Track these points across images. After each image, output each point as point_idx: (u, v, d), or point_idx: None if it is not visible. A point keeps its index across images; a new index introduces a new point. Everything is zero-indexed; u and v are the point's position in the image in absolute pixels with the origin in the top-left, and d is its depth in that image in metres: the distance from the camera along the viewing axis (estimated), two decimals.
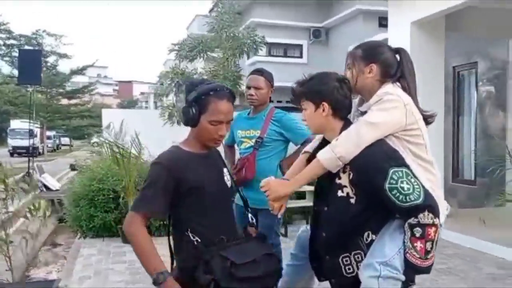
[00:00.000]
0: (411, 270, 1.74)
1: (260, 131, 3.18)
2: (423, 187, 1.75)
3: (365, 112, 1.98)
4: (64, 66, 30.46)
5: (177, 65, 9.38)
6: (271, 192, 1.98)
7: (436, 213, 1.72)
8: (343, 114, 1.96)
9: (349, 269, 1.86)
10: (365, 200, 1.81)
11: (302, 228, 2.29)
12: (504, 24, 6.63)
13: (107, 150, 5.89)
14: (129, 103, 58.74)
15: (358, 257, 1.84)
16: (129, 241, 1.90)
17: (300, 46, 17.37)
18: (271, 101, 3.40)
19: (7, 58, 30.51)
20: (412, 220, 1.72)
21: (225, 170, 2.13)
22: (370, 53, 2.03)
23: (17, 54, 18.95)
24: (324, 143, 2.09)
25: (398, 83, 1.99)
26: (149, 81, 59.79)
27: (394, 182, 1.73)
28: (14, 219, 4.43)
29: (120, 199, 6.04)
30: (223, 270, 1.81)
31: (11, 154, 26.84)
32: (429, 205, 1.71)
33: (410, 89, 1.98)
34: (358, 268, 1.83)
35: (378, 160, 1.79)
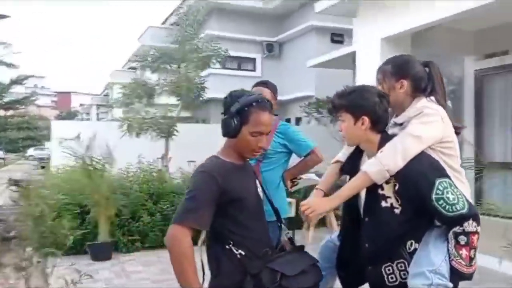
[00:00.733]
0: (456, 277, 1.79)
1: None
2: (465, 196, 1.82)
3: (400, 124, 2.03)
4: (2, 76, 28.76)
5: (138, 76, 9.22)
6: (318, 208, 1.96)
7: (478, 221, 1.79)
8: (381, 128, 2.00)
9: (391, 278, 1.89)
10: (410, 210, 1.85)
11: (327, 238, 2.30)
12: (461, 42, 7.08)
13: (78, 162, 5.63)
14: (68, 115, 56.51)
15: (401, 266, 1.87)
16: (171, 256, 1.82)
17: (253, 60, 17.56)
18: None
19: None
20: (457, 229, 1.78)
21: (257, 181, 2.12)
22: (400, 68, 2.10)
23: None
24: (356, 153, 2.13)
25: (432, 97, 2.06)
26: (89, 92, 58.06)
27: (440, 192, 1.78)
28: None
29: (87, 214, 5.80)
30: (273, 283, 1.79)
31: None
32: (474, 214, 1.79)
33: (441, 102, 2.06)
34: (401, 277, 1.86)
35: (424, 171, 1.84)
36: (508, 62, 6.72)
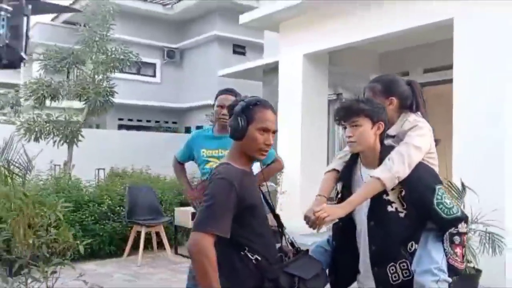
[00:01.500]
0: (452, 272, 2.01)
1: None
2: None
3: (392, 136, 2.23)
4: None
5: (42, 76, 8.52)
6: (332, 213, 2.04)
7: (467, 223, 2.04)
8: (383, 137, 2.17)
9: (395, 277, 2.05)
10: (413, 214, 2.04)
11: (317, 243, 2.40)
12: (369, 62, 7.76)
13: None
14: None
15: (403, 266, 2.04)
16: (194, 262, 1.78)
17: (153, 65, 17.17)
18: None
19: None
20: (452, 230, 2.00)
21: (260, 188, 2.16)
22: (389, 86, 2.30)
23: None
24: (351, 162, 2.27)
25: (419, 113, 2.29)
26: None
27: (439, 197, 2.00)
28: None
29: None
30: (292, 287, 1.84)
31: None
32: (466, 217, 2.03)
33: (425, 117, 2.30)
34: (403, 276, 2.04)
35: (426, 178, 2.04)
36: None
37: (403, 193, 2.05)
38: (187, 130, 17.58)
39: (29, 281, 3.88)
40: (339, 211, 2.06)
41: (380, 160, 2.10)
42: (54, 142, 8.52)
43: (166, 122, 17.43)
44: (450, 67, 6.58)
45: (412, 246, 2.05)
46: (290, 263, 1.95)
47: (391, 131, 2.26)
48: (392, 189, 2.06)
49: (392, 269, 2.05)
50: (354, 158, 2.27)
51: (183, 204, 6.45)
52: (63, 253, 5.40)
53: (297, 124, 6.18)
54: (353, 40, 5.95)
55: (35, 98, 8.48)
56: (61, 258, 5.34)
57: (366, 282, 2.21)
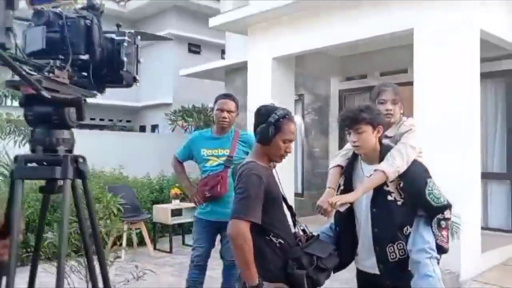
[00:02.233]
0: (440, 251, 2.42)
1: (229, 150, 3.48)
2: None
3: (390, 137, 2.61)
4: None
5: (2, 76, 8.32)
6: (345, 199, 2.39)
7: (451, 210, 2.46)
8: (382, 138, 2.55)
9: (393, 255, 2.43)
10: (408, 202, 2.43)
11: (321, 230, 2.74)
12: (330, 66, 8.24)
13: None
14: None
15: (399, 246, 2.42)
16: (234, 246, 2.07)
17: None
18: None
19: None
20: (440, 216, 2.41)
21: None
22: (399, 93, 2.70)
23: None
24: (352, 159, 2.64)
25: (410, 117, 2.70)
26: None
27: (430, 189, 2.40)
28: None
29: None
30: (312, 264, 2.18)
31: None
32: (450, 205, 2.44)
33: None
34: (399, 254, 2.42)
35: (420, 172, 2.44)
36: (366, 84, 8.08)
37: (401, 184, 2.43)
38: (142, 128, 17.51)
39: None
40: (350, 196, 2.42)
41: (381, 158, 2.48)
42: (15, 142, 8.36)
43: (120, 121, 17.27)
44: (405, 70, 7.19)
45: (407, 230, 2.44)
46: (307, 245, 2.28)
47: (389, 132, 2.64)
48: (392, 181, 2.44)
49: (391, 249, 2.43)
50: (355, 156, 2.64)
51: (158, 201, 6.63)
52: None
53: None
54: (319, 46, 6.35)
55: None
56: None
57: (364, 262, 2.58)
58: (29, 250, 5.37)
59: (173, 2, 15.23)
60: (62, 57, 1.17)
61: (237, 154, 3.51)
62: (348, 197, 2.42)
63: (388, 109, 2.64)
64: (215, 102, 3.59)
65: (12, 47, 0.99)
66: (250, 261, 2.05)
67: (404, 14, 5.36)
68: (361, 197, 2.50)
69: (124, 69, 1.30)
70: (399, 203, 2.43)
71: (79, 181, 1.25)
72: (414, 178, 2.43)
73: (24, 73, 1.00)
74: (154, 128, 16.65)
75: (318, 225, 2.78)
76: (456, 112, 4.96)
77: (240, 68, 9.34)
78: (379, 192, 2.45)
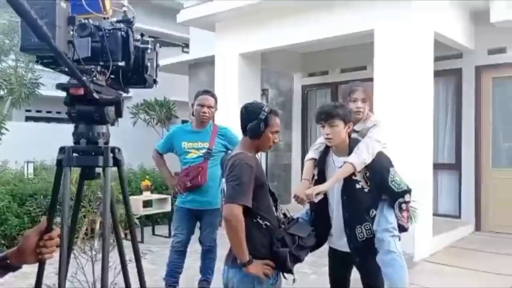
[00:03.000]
0: (401, 230, 2.77)
1: (208, 143, 3.72)
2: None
3: (357, 131, 2.92)
4: None
5: None
6: (319, 189, 2.70)
7: (410, 194, 2.81)
8: (351, 133, 2.86)
9: (361, 235, 2.76)
10: (374, 190, 2.76)
11: (298, 215, 3.02)
12: (293, 62, 8.57)
13: None
14: None
15: (366, 227, 2.75)
16: (229, 227, 2.32)
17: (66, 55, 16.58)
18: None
19: None
20: (401, 200, 2.76)
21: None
22: (371, 92, 3.02)
23: None
24: (324, 152, 2.94)
25: (374, 113, 3.03)
26: None
27: (392, 176, 2.74)
28: None
29: None
30: (294, 243, 2.47)
31: None
32: (410, 190, 2.79)
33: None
34: (367, 234, 2.75)
35: (383, 163, 2.77)
36: (327, 80, 8.46)
37: (367, 174, 2.76)
38: None
39: None
40: (323, 186, 2.74)
41: (350, 150, 2.79)
42: None
43: None
44: (364, 68, 7.62)
45: (372, 212, 2.77)
46: (290, 227, 2.56)
47: (357, 127, 2.96)
48: (359, 172, 2.76)
49: (359, 230, 2.76)
50: (326, 149, 2.94)
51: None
52: (6, 245, 5.50)
53: (234, 119, 6.73)
54: (284, 44, 6.66)
55: None
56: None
57: (337, 242, 2.91)
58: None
59: None
60: (102, 63, 1.38)
61: (216, 147, 3.75)
62: (322, 187, 2.73)
63: (358, 107, 2.95)
64: (195, 97, 3.81)
65: (70, 56, 1.20)
66: (242, 240, 2.31)
67: (365, 16, 5.73)
68: (333, 187, 2.82)
69: (148, 73, 1.51)
70: (365, 190, 2.76)
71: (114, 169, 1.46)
72: (379, 168, 2.77)
73: (83, 78, 1.21)
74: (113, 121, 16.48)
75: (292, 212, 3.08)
76: (411, 107, 5.39)
77: (204, 63, 9.52)
78: (349, 182, 2.77)
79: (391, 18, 5.52)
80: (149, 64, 1.52)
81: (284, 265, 2.39)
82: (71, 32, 1.21)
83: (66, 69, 1.24)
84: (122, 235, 1.73)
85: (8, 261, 1.25)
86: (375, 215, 2.78)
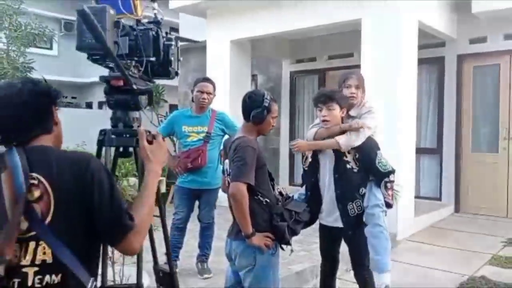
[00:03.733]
0: (387, 206, 3.06)
1: (207, 127, 3.96)
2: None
3: (352, 116, 3.18)
4: None
5: None
6: (310, 145, 3.10)
7: (394, 174, 3.10)
8: (344, 118, 3.13)
9: (352, 211, 3.04)
10: (362, 170, 3.04)
11: (296, 195, 3.29)
12: (281, 49, 8.77)
13: None
14: None
15: (357, 203, 3.03)
16: (235, 203, 2.57)
17: (50, 38, 16.48)
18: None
19: None
20: (386, 179, 3.05)
21: None
22: (363, 79, 3.27)
23: None
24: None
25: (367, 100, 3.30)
26: None
27: (379, 158, 3.03)
28: None
29: None
30: (291, 218, 2.73)
31: None
32: (394, 170, 3.08)
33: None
34: (357, 210, 3.03)
35: (372, 146, 3.06)
36: (315, 67, 8.70)
37: (357, 156, 3.04)
38: (89, 105, 17.33)
39: None
40: (312, 144, 3.13)
41: (342, 133, 3.07)
42: None
43: (65, 97, 16.95)
44: (351, 55, 7.87)
45: (362, 191, 3.05)
46: (287, 203, 2.82)
47: (352, 112, 3.22)
48: (349, 153, 3.04)
49: (350, 206, 3.04)
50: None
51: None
52: None
53: (226, 104, 6.94)
54: (274, 31, 6.87)
55: None
56: None
57: (327, 218, 3.19)
58: None
59: None
60: (136, 59, 1.60)
61: (214, 130, 4.00)
62: (310, 144, 3.12)
63: (352, 93, 3.21)
64: (195, 84, 4.04)
65: (115, 53, 1.42)
66: (246, 214, 2.57)
67: (352, 5, 5.96)
68: (325, 166, 3.10)
69: (172, 66, 1.74)
70: (355, 170, 3.05)
71: None
72: (368, 151, 3.05)
73: (126, 72, 1.44)
74: (101, 104, 16.54)
75: None
76: (395, 93, 5.67)
77: (194, 48, 9.66)
78: (340, 162, 3.05)
79: (378, 7, 5.77)
80: (172, 58, 1.74)
81: (282, 237, 2.66)
82: (117, 34, 1.43)
83: (112, 65, 1.46)
84: None
85: None
86: (364, 193, 3.06)
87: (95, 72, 11.76)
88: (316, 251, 3.45)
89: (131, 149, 1.68)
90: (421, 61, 6.38)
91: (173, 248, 3.99)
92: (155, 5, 1.70)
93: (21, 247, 1.33)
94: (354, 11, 5.97)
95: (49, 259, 1.35)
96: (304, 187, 3.33)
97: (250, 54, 7.68)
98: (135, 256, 1.80)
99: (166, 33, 1.75)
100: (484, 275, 4.40)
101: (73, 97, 17.28)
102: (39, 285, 1.35)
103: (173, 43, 1.73)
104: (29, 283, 1.35)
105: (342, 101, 3.04)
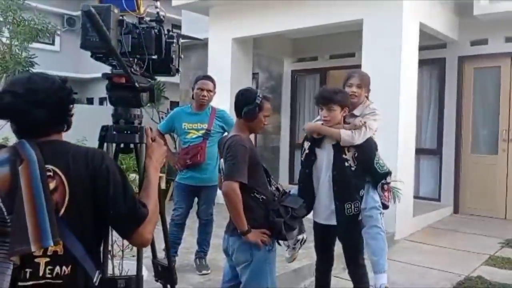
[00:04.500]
0: (383, 207, 3.10)
1: (207, 124, 3.99)
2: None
3: (356, 116, 3.20)
4: None
5: None
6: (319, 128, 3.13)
7: (391, 176, 3.13)
8: (346, 117, 3.16)
9: (349, 211, 3.07)
10: (360, 169, 3.07)
11: (292, 191, 3.31)
12: (283, 47, 8.80)
13: None
14: None
15: (356, 204, 3.06)
16: (228, 202, 2.61)
17: (52, 33, 16.49)
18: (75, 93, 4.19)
19: None
20: (383, 181, 3.08)
21: None
22: (367, 78, 3.30)
23: None
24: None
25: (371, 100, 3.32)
26: None
27: (377, 159, 3.07)
28: None
29: None
30: (287, 213, 2.75)
31: None
32: (390, 172, 3.12)
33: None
34: (354, 211, 3.05)
35: (372, 146, 3.09)
36: (316, 66, 8.73)
37: (356, 154, 3.07)
38: (90, 101, 17.36)
39: None
40: (314, 125, 3.19)
41: None
42: None
43: None
44: (352, 55, 7.89)
45: (361, 192, 3.09)
46: (283, 200, 2.84)
47: (356, 111, 3.25)
48: (349, 152, 3.06)
49: (348, 205, 3.07)
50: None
51: None
52: None
53: (226, 101, 6.96)
54: (276, 30, 6.90)
55: None
56: None
57: (321, 215, 3.20)
58: None
59: None
60: (139, 56, 1.63)
61: (214, 128, 4.03)
62: (317, 125, 3.18)
63: (353, 91, 3.24)
64: (195, 82, 4.06)
65: (118, 51, 1.45)
66: (241, 212, 2.60)
67: (354, 6, 5.99)
68: (322, 161, 3.14)
69: (173, 63, 1.77)
70: (352, 168, 3.08)
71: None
72: (367, 151, 3.09)
73: (128, 70, 1.47)
74: (102, 101, 16.57)
75: None
76: (396, 94, 5.69)
77: (196, 45, 9.68)
78: (339, 159, 3.08)
79: (379, 8, 5.79)
80: (173, 56, 1.77)
81: (279, 233, 2.68)
82: (120, 32, 1.46)
83: (114, 62, 1.49)
84: None
85: None
86: (363, 195, 3.09)
87: (96, 68, 11.82)
88: (313, 249, 3.48)
89: (131, 145, 1.71)
90: (422, 62, 6.41)
91: (172, 244, 4.02)
92: (158, 3, 1.73)
93: None
94: (356, 11, 5.99)
95: (60, 250, 1.38)
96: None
97: (251, 52, 7.70)
98: (135, 250, 1.83)
99: (168, 30, 1.78)
100: (481, 275, 4.43)
101: (74, 93, 17.23)
102: (49, 276, 1.38)
103: (174, 40, 1.76)
104: (40, 273, 1.38)
105: (343, 101, 3.07)
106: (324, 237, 3.29)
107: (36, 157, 1.37)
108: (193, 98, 4.11)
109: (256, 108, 2.72)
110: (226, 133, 4.01)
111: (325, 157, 3.15)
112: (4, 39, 8.93)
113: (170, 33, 1.77)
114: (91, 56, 1.56)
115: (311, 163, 3.20)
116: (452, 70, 7.20)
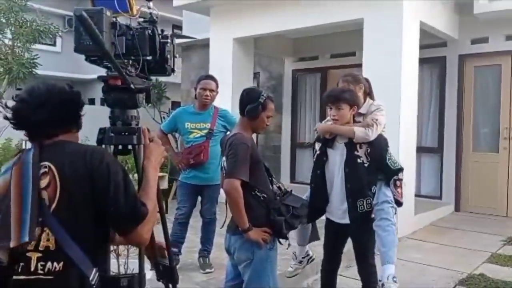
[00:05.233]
0: (397, 204, 3.11)
1: (210, 124, 4.02)
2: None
3: (362, 114, 3.22)
4: None
5: None
6: (329, 127, 3.15)
7: (403, 172, 3.14)
8: (355, 115, 3.17)
9: (361, 208, 3.06)
10: (373, 165, 3.07)
11: (306, 195, 3.31)
12: (284, 47, 8.80)
13: None
14: None
15: (368, 201, 3.06)
16: (230, 199, 2.62)
17: (54, 34, 16.54)
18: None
19: None
20: (395, 177, 3.09)
21: None
22: (358, 78, 3.37)
23: None
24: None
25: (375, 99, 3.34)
26: None
27: (389, 155, 3.09)
28: None
29: None
30: (288, 212, 2.75)
31: None
32: (403, 168, 3.12)
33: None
34: (366, 207, 3.05)
35: (383, 143, 3.11)
36: (316, 65, 8.73)
37: (368, 151, 3.07)
38: (91, 101, 17.39)
39: None
40: (326, 126, 3.21)
41: None
42: None
43: None
44: (353, 54, 7.89)
45: (373, 189, 3.09)
46: (285, 198, 2.84)
47: (362, 109, 3.27)
48: (361, 148, 3.07)
49: (361, 202, 3.06)
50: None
51: None
52: None
53: (228, 101, 6.98)
54: (276, 29, 6.91)
55: None
56: None
57: (335, 213, 3.19)
58: None
59: None
60: (133, 58, 1.64)
61: (216, 127, 4.06)
62: (328, 126, 3.19)
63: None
64: (198, 82, 4.09)
65: (112, 53, 1.46)
66: (242, 210, 2.61)
67: (355, 5, 5.98)
68: (335, 160, 3.15)
69: (168, 63, 1.78)
70: (365, 165, 3.09)
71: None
72: (379, 147, 3.11)
73: (123, 72, 1.48)
74: (103, 101, 16.55)
75: None
76: (397, 93, 5.69)
77: (197, 45, 9.71)
78: (351, 156, 3.09)
79: (380, 7, 5.79)
80: (168, 56, 1.78)
81: (280, 232, 2.69)
82: (114, 34, 1.48)
83: (110, 65, 1.50)
84: None
85: None
86: (375, 192, 3.10)
87: (97, 69, 11.85)
88: (316, 248, 3.49)
89: (129, 146, 1.72)
90: (422, 61, 6.41)
91: (176, 243, 4.04)
92: (151, 3, 1.74)
93: None
94: (357, 10, 5.99)
95: (52, 246, 1.39)
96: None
97: (252, 52, 7.71)
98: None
99: (162, 30, 1.79)
100: (483, 273, 4.43)
101: None
102: (41, 271, 1.38)
103: (168, 40, 1.77)
104: (32, 268, 1.38)
105: (352, 100, 3.09)
106: (336, 236, 3.28)
107: (32, 157, 1.39)
108: (195, 97, 4.13)
109: (259, 106, 2.73)
110: (228, 132, 4.02)
111: (337, 157, 3.15)
112: (6, 41, 8.98)
113: (164, 33, 1.78)
114: (86, 59, 1.57)
115: (323, 164, 3.21)
116: (453, 69, 7.20)
